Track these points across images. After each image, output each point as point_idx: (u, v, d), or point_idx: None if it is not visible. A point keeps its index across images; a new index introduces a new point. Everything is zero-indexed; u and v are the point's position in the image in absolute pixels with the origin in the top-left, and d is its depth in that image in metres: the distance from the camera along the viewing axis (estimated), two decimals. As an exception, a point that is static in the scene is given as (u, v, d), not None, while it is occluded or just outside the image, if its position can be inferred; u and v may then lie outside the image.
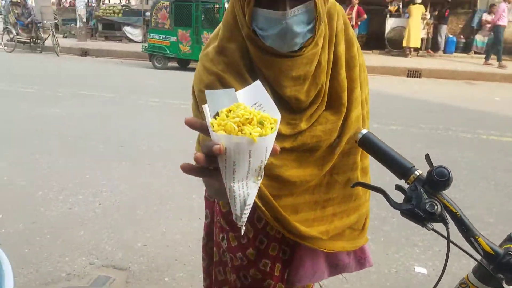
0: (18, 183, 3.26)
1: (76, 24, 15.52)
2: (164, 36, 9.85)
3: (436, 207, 0.74)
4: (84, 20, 15.12)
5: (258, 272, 1.05)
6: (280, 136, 0.59)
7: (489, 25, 11.23)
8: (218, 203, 1.10)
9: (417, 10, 11.37)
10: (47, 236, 2.52)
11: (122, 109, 5.90)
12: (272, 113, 0.58)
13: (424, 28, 11.83)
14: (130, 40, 15.19)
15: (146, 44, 10.49)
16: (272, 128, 0.55)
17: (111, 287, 2.09)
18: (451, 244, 0.75)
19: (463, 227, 0.75)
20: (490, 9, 11.69)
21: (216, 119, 0.55)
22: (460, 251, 0.77)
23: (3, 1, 14.78)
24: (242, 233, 0.66)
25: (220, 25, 0.95)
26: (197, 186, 3.18)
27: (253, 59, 0.90)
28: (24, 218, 2.72)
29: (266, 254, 1.05)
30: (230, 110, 0.56)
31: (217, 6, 9.66)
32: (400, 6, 12.38)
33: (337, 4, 0.96)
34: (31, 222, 2.67)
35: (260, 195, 0.91)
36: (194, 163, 0.99)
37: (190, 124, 0.59)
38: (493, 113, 6.02)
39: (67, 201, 2.98)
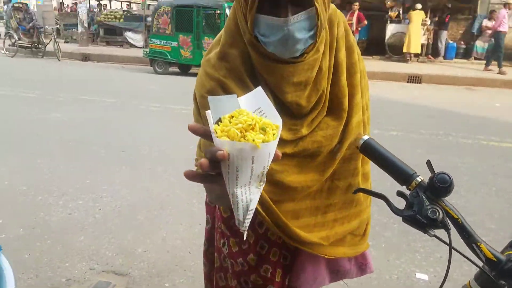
0: (19, 188, 3.26)
1: (77, 29, 15.59)
2: (165, 41, 9.90)
3: (437, 214, 0.74)
4: (86, 25, 15.21)
5: (259, 278, 1.05)
6: (281, 142, 0.60)
7: (489, 31, 11.28)
8: (219, 208, 1.10)
9: (417, 16, 11.42)
10: (47, 241, 2.52)
11: (123, 114, 5.91)
12: (274, 119, 0.58)
13: (424, 34, 11.87)
14: (131, 45, 15.25)
15: (147, 49, 10.54)
16: (274, 134, 0.56)
17: (111, 292, 2.09)
18: (452, 250, 0.75)
19: (465, 233, 0.75)
20: (490, 15, 11.74)
21: (219, 125, 0.56)
22: (461, 257, 0.77)
23: (5, 6, 14.85)
24: (245, 238, 0.67)
25: (222, 31, 0.96)
26: (197, 192, 3.19)
27: (255, 65, 0.91)
28: (24, 223, 2.71)
29: (267, 260, 1.05)
30: (233, 116, 0.57)
31: (218, 11, 9.71)
32: (401, 12, 12.44)
33: (338, 10, 0.97)
34: (31, 227, 2.67)
35: (260, 200, 0.91)
36: (195, 168, 0.99)
37: (194, 130, 0.60)
38: (493, 119, 6.03)
39: (67, 206, 2.98)
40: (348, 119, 0.96)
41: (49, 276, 2.19)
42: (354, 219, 1.05)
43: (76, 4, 17.83)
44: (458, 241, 0.78)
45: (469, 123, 5.70)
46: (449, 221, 0.76)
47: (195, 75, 9.90)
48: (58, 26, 16.13)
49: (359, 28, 11.90)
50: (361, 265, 1.14)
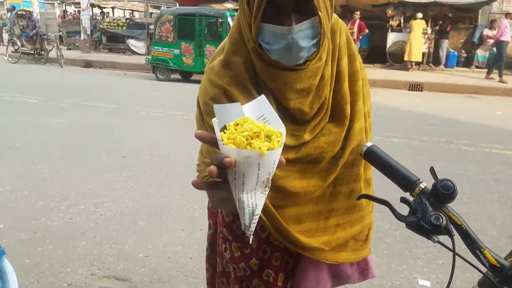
0: (20, 192, 3.27)
1: (80, 36, 15.70)
2: (167, 48, 9.97)
3: (441, 220, 0.75)
4: (88, 32, 15.32)
5: (261, 283, 1.05)
6: (284, 147, 0.62)
7: (491, 40, 11.36)
8: (221, 213, 1.10)
9: (418, 25, 11.49)
10: (48, 246, 2.52)
11: (125, 120, 5.93)
12: (277, 127, 0.60)
13: (425, 43, 11.93)
14: (134, 53, 15.36)
15: (150, 57, 10.61)
16: (279, 142, 0.57)
17: (112, 298, 2.08)
18: (456, 256, 0.75)
19: (469, 239, 0.75)
20: (491, 24, 11.82)
21: (224, 132, 0.58)
22: (464, 264, 0.77)
23: (9, 14, 14.98)
24: (251, 242, 0.68)
25: (226, 39, 0.97)
26: (198, 197, 3.19)
27: (258, 72, 0.92)
28: (25, 228, 2.71)
29: (269, 264, 1.05)
30: (238, 124, 0.59)
31: (220, 20, 9.80)
32: (401, 21, 12.52)
33: (340, 20, 0.99)
34: (32, 232, 2.67)
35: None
36: (196, 173, 1.00)
37: (200, 138, 0.62)
38: (495, 126, 6.03)
39: (69, 211, 2.98)
40: (350, 126, 0.97)
41: (50, 281, 2.19)
42: (357, 224, 1.05)
43: (79, 11, 17.97)
44: (460, 248, 0.78)
45: (471, 131, 5.70)
46: (452, 227, 0.76)
47: (196, 82, 10.00)
48: (61, 33, 16.25)
49: (360, 37, 11.97)
50: (363, 270, 1.14)
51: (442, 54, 12.38)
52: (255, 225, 0.62)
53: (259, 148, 0.55)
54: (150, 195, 3.32)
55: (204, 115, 0.95)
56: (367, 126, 1.03)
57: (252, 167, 0.56)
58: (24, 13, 13.61)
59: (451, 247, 0.75)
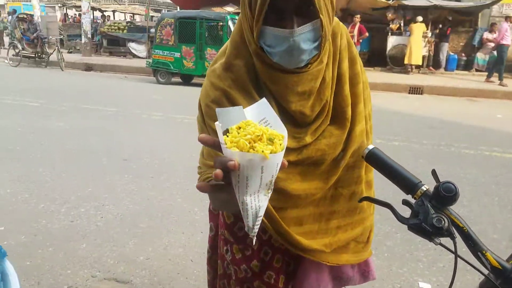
0: (21, 195, 3.27)
1: (81, 40, 15.75)
2: (168, 52, 10.00)
3: (443, 222, 0.75)
4: (89, 35, 15.37)
5: (262, 284, 1.05)
6: (285, 150, 0.63)
7: (491, 44, 11.40)
8: (222, 215, 1.10)
9: (418, 29, 11.52)
10: (49, 248, 2.51)
11: (125, 123, 5.93)
12: (279, 130, 0.61)
13: (425, 46, 11.96)
14: (135, 56, 15.40)
15: (150, 60, 10.64)
16: (281, 145, 0.58)
17: (113, 301, 2.08)
18: (458, 258, 0.75)
19: (470, 241, 0.76)
20: (491, 27, 11.85)
21: (227, 136, 0.58)
22: (465, 267, 0.77)
23: (10, 17, 15.03)
24: (254, 243, 0.69)
25: (228, 42, 0.97)
26: (199, 200, 3.19)
27: (260, 75, 0.92)
28: (26, 230, 2.71)
29: (270, 266, 1.05)
30: (240, 127, 0.60)
31: (221, 23, 9.83)
32: (402, 24, 12.55)
33: (341, 23, 0.99)
34: (33, 235, 2.67)
35: None
36: (198, 176, 1.00)
37: (204, 141, 0.63)
38: (495, 130, 6.04)
39: (69, 214, 2.98)
40: (351, 128, 0.97)
41: (51, 283, 2.19)
42: (358, 226, 1.06)
43: (80, 15, 18.03)
44: (461, 250, 0.78)
45: (471, 134, 5.71)
46: (454, 230, 0.76)
47: (197, 85, 10.03)
48: (61, 36, 16.30)
49: (361, 40, 11.99)
50: (364, 272, 1.14)
51: (442, 57, 12.41)
52: (258, 226, 0.62)
53: (262, 151, 0.56)
54: (150, 198, 3.32)
55: (206, 118, 0.95)
56: (368, 128, 1.03)
57: (255, 170, 0.57)
58: (25, 16, 13.66)
59: (453, 249, 0.75)
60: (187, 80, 10.59)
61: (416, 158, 4.42)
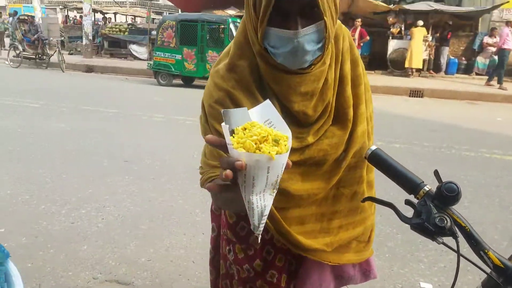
0: (21, 197, 3.27)
1: (82, 41, 15.78)
2: (169, 54, 10.03)
3: (446, 222, 0.75)
4: (90, 37, 15.40)
5: (265, 284, 1.06)
6: None
7: (491, 48, 11.45)
8: (224, 215, 1.11)
9: (419, 33, 11.57)
10: (50, 250, 2.51)
11: (126, 124, 5.94)
12: (283, 131, 0.63)
13: (426, 50, 12.00)
14: (135, 58, 15.43)
15: (152, 62, 10.66)
16: (286, 146, 0.60)
17: (114, 302, 2.08)
18: (460, 257, 0.75)
19: (473, 241, 0.76)
20: (491, 32, 11.90)
21: (233, 136, 0.60)
22: (466, 266, 0.77)
23: (11, 18, 15.07)
24: (259, 241, 0.69)
25: (231, 43, 0.98)
26: (200, 201, 3.19)
27: (263, 75, 0.93)
28: (26, 232, 2.71)
29: (273, 265, 1.06)
30: (245, 128, 0.62)
31: (222, 26, 9.87)
32: (402, 28, 12.59)
33: (343, 26, 1.00)
34: (34, 236, 2.66)
35: None
36: (199, 177, 1.00)
37: (211, 142, 0.65)
38: (495, 132, 6.05)
39: (70, 215, 2.98)
40: (353, 129, 0.98)
41: (52, 285, 2.18)
42: (359, 226, 1.07)
43: (81, 17, 18.08)
44: (463, 250, 0.79)
45: (472, 137, 5.72)
46: (457, 229, 0.77)
47: (198, 87, 10.04)
48: (62, 38, 16.34)
49: (361, 44, 12.03)
50: (365, 271, 1.15)
51: (443, 61, 12.44)
52: (263, 225, 0.64)
53: (269, 152, 0.58)
54: (152, 199, 3.32)
55: (209, 118, 0.96)
56: (369, 129, 1.05)
57: (262, 170, 0.58)
58: (26, 18, 13.69)
59: (455, 248, 0.76)
60: (188, 82, 10.61)
61: (417, 160, 4.43)
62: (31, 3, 18.59)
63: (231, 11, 14.32)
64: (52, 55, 12.97)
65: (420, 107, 8.34)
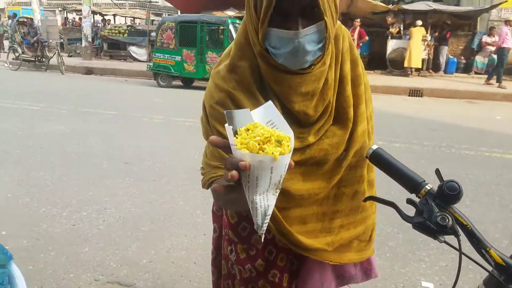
0: (22, 199, 3.27)
1: (81, 43, 15.78)
2: (169, 55, 10.03)
3: (447, 220, 0.76)
4: (90, 39, 15.39)
5: (267, 283, 1.06)
6: None
7: (490, 47, 11.48)
8: (226, 215, 1.11)
9: (418, 32, 11.59)
10: (51, 252, 2.51)
11: (126, 126, 5.94)
12: (285, 131, 0.64)
13: (425, 49, 12.02)
14: (135, 60, 15.43)
15: (151, 63, 10.67)
16: (288, 146, 0.61)
17: (115, 304, 2.08)
18: (462, 256, 0.76)
19: (474, 239, 0.76)
20: (490, 31, 11.93)
21: (236, 137, 0.61)
22: (467, 265, 0.78)
23: (10, 21, 15.08)
24: (262, 240, 0.70)
25: (232, 44, 0.99)
26: (201, 202, 3.19)
27: (264, 76, 0.93)
28: (27, 234, 2.71)
29: (274, 265, 1.06)
30: (248, 129, 0.62)
31: (222, 27, 9.88)
32: (401, 28, 12.61)
33: (343, 26, 1.01)
34: (35, 239, 2.66)
35: None
36: (200, 178, 1.01)
37: (214, 143, 0.66)
38: (495, 131, 6.06)
39: (71, 218, 2.98)
40: (353, 128, 0.99)
41: (54, 287, 2.18)
42: (360, 225, 1.07)
43: (80, 19, 18.09)
44: (465, 248, 0.79)
45: (471, 135, 5.73)
46: (458, 228, 0.77)
47: (198, 88, 10.04)
48: (62, 40, 16.33)
49: (361, 44, 12.05)
50: (366, 270, 1.16)
51: (442, 60, 12.47)
52: (266, 224, 0.65)
53: (272, 153, 0.58)
54: (152, 201, 3.32)
55: (210, 119, 0.96)
56: (369, 128, 1.05)
57: (265, 171, 0.59)
58: (25, 20, 13.68)
59: (457, 247, 0.76)
60: (187, 83, 10.62)
61: (418, 159, 4.43)
62: (30, 5, 18.57)
63: (231, 12, 14.33)
64: (52, 57, 12.96)
65: (420, 107, 8.35)
